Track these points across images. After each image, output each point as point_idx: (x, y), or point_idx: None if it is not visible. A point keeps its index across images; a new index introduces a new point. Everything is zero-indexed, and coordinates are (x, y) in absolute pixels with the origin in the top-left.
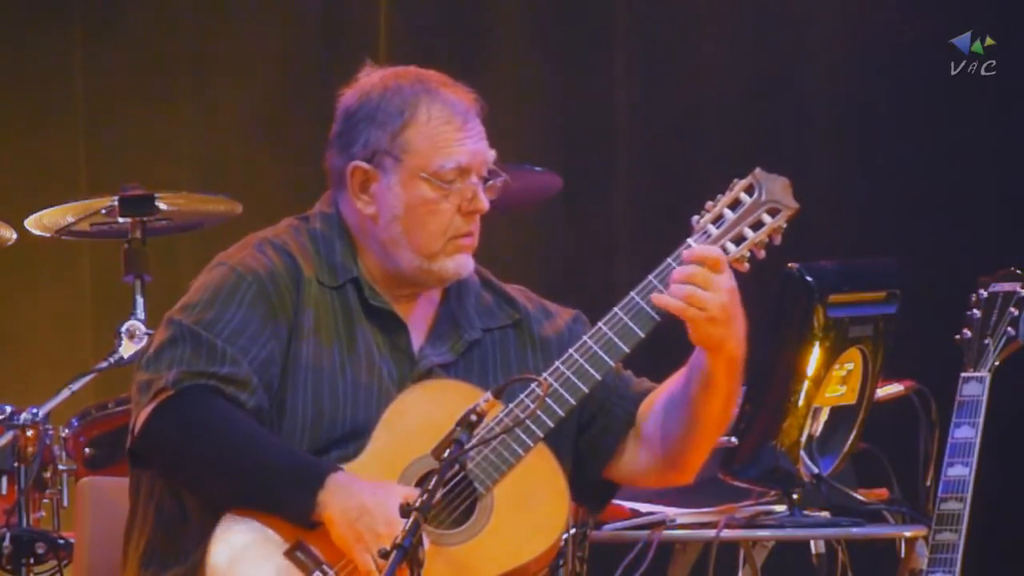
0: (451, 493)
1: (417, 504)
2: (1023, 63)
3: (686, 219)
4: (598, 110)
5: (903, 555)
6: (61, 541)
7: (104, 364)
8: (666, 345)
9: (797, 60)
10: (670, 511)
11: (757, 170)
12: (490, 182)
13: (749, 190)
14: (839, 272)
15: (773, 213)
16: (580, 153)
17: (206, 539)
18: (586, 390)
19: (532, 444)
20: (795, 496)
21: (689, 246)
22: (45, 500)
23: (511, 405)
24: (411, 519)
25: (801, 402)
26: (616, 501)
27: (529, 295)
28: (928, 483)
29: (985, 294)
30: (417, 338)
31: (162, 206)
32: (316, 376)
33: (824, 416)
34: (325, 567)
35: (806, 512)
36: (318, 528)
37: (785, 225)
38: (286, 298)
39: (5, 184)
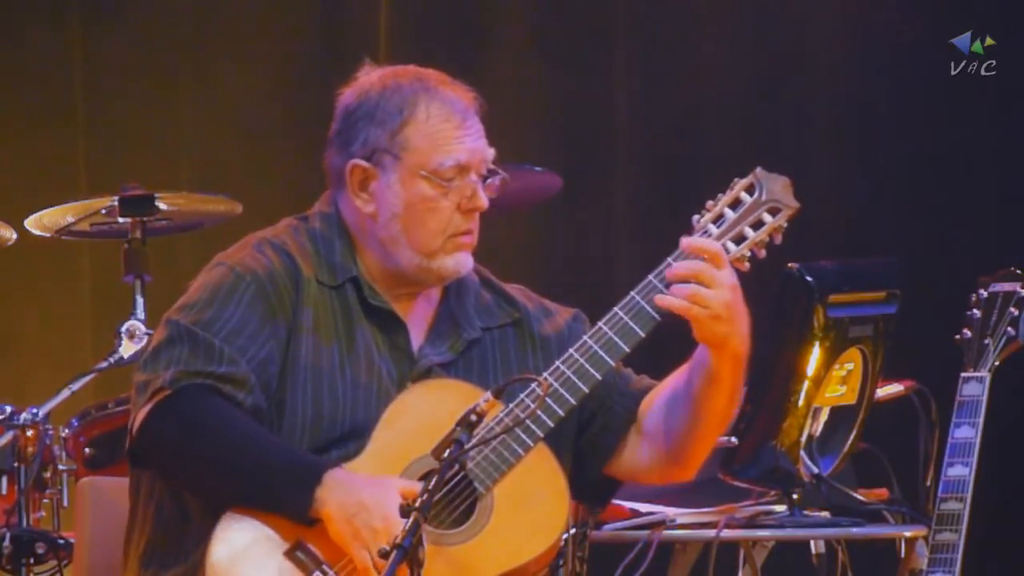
0: (451, 493)
1: (417, 504)
2: (1023, 63)
3: (686, 219)
4: (598, 110)
5: (903, 555)
6: (61, 541)
7: (104, 364)
8: (667, 344)
9: (797, 60)
10: (670, 511)
11: (758, 169)
12: (489, 180)
13: (750, 189)
14: (839, 272)
15: (774, 212)
16: (580, 153)
17: (206, 539)
18: (586, 390)
19: (532, 444)
20: (795, 496)
21: None
22: (45, 500)
23: (511, 405)
24: (411, 519)
25: (801, 402)
26: (616, 501)
27: (529, 294)
28: (928, 483)
29: (985, 294)
30: (416, 337)
31: (162, 206)
32: (315, 376)
33: (824, 416)
34: (325, 567)
35: (806, 512)
36: (318, 526)
37: (786, 225)
38: (285, 298)
39: (5, 184)
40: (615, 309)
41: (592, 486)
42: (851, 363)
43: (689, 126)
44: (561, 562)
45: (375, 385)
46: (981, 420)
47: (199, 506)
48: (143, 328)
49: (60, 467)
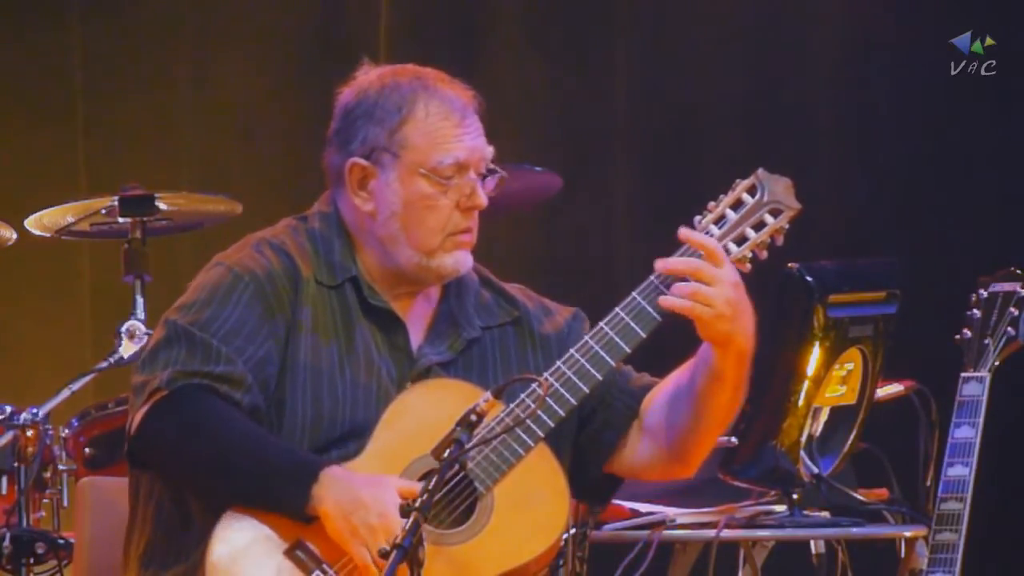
0: (451, 493)
1: (417, 504)
2: (1023, 63)
3: (686, 219)
4: (598, 110)
5: (903, 555)
6: (61, 541)
7: (104, 364)
8: (667, 344)
9: (797, 60)
10: (670, 511)
11: (760, 170)
12: (488, 178)
13: (751, 190)
14: (839, 272)
15: (775, 214)
16: (580, 153)
17: (206, 539)
18: (587, 390)
19: (532, 444)
20: (795, 496)
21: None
22: (45, 500)
23: (511, 405)
24: (411, 519)
25: (801, 402)
26: (616, 501)
27: (529, 293)
28: (928, 483)
29: (985, 294)
30: (416, 337)
31: (162, 206)
32: (315, 376)
33: (824, 416)
34: (325, 566)
35: (806, 512)
36: (317, 525)
37: (787, 226)
38: (283, 298)
39: (5, 184)
40: (616, 309)
41: (593, 483)
42: (851, 363)
43: (689, 126)
44: (561, 562)
45: (375, 385)
46: (981, 420)
47: (199, 506)
48: (143, 328)
49: (60, 467)
